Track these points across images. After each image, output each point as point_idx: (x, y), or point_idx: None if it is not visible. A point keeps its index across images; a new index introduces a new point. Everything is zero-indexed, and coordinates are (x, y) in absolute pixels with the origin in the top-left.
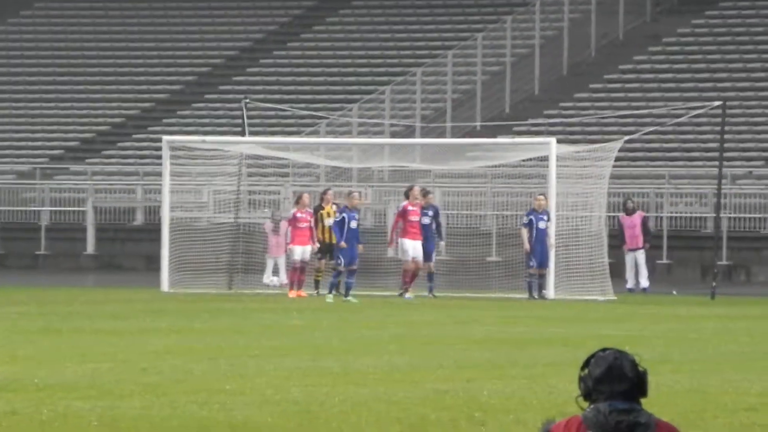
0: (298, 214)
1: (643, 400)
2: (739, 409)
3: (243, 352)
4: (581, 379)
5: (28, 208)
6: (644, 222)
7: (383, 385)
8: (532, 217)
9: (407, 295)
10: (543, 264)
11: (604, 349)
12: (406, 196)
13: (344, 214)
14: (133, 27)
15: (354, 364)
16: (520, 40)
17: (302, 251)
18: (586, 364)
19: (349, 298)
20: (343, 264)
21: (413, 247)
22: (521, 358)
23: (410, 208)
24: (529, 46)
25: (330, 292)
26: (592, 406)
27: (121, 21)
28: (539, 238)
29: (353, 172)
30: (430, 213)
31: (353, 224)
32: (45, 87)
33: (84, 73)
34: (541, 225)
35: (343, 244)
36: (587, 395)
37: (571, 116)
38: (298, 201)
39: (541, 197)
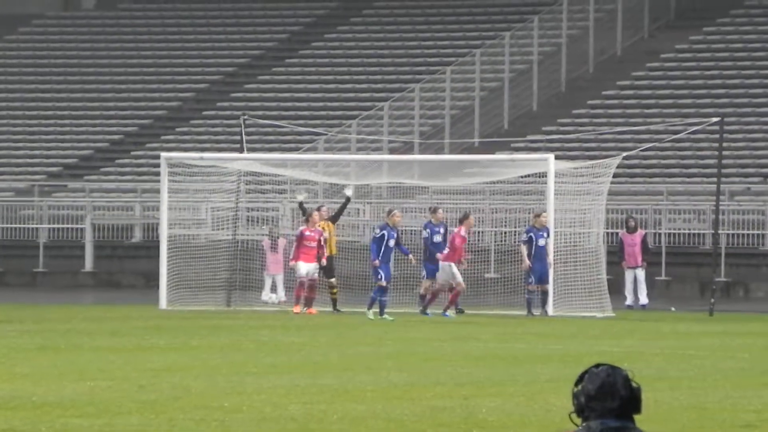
0: (307, 232)
1: (639, 417)
2: (738, 425)
3: (241, 370)
4: (574, 396)
5: (26, 226)
6: (644, 240)
7: (381, 402)
8: (531, 234)
9: (448, 312)
10: (543, 280)
11: (597, 365)
12: (461, 222)
13: (384, 231)
14: (131, 44)
15: (352, 381)
16: (518, 56)
17: (307, 268)
18: (580, 380)
19: (385, 315)
20: (384, 279)
21: (448, 270)
22: (520, 375)
23: (462, 234)
24: (527, 62)
25: (370, 308)
26: (583, 425)
27: (119, 38)
28: (538, 255)
29: (351, 188)
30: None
31: (391, 243)
32: (43, 104)
33: (82, 90)
34: (541, 242)
35: (376, 262)
36: (580, 411)
37: (569, 132)
38: (308, 219)
39: (545, 215)
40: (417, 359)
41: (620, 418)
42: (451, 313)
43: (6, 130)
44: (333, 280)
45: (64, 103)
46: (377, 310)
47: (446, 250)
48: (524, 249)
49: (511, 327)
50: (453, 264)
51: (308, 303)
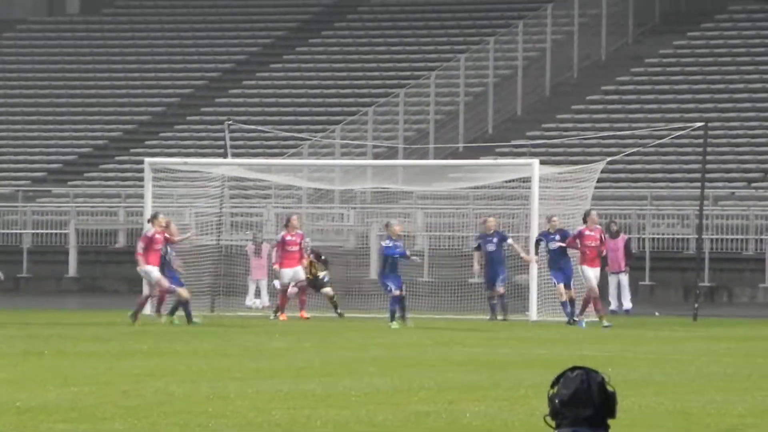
0: (288, 237)
1: (623, 422)
2: (722, 429)
3: (225, 375)
4: (549, 399)
5: (9, 231)
6: (626, 245)
7: (365, 408)
8: (480, 241)
9: (582, 322)
10: (493, 285)
11: (573, 369)
12: (584, 221)
13: (389, 244)
14: (115, 49)
15: (336, 386)
16: (502, 61)
17: (293, 273)
18: (555, 382)
19: (401, 322)
20: (393, 289)
21: (594, 275)
22: (503, 380)
23: (587, 233)
24: (511, 67)
25: (393, 320)
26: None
27: (103, 43)
28: (489, 260)
29: (335, 193)
30: (495, 240)
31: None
32: (27, 109)
33: (67, 95)
34: (490, 247)
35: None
36: (554, 415)
37: (554, 137)
38: (287, 224)
39: (491, 219)
40: (400, 364)
41: (593, 427)
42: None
43: None
44: (327, 290)
45: (48, 108)
46: (400, 319)
47: (578, 254)
48: (477, 255)
49: (495, 332)
50: (587, 267)
51: (301, 305)
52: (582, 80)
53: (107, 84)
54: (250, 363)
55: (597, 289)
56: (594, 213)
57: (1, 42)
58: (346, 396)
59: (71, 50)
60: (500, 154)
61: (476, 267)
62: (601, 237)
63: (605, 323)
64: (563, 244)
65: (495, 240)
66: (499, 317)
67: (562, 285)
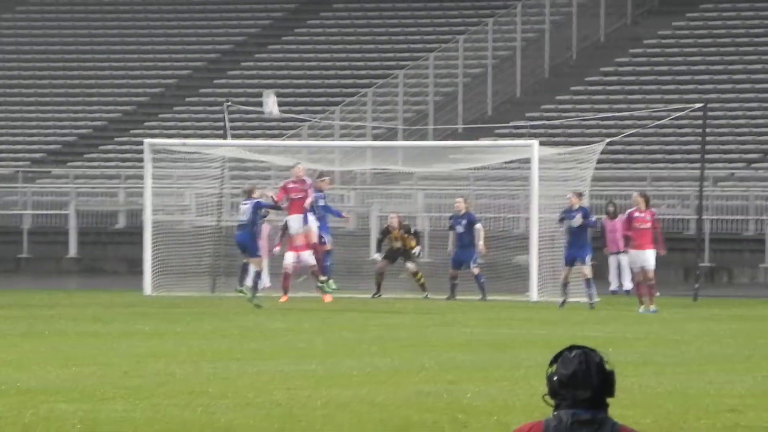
0: (290, 185)
1: (623, 402)
2: (722, 410)
3: (225, 355)
4: (548, 378)
5: (9, 212)
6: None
7: (366, 387)
8: (451, 221)
9: (646, 308)
10: (459, 266)
11: (571, 348)
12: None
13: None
14: (113, 30)
15: (336, 366)
16: (501, 43)
17: (298, 223)
18: (554, 361)
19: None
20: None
21: (644, 258)
22: (504, 361)
23: (637, 215)
24: (510, 48)
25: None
26: (555, 413)
27: (102, 24)
28: (458, 242)
29: (335, 174)
30: (464, 221)
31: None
32: (26, 90)
33: (65, 77)
34: (459, 229)
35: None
36: (553, 395)
37: (553, 118)
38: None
39: (460, 200)
40: (401, 345)
41: (592, 407)
42: (650, 308)
43: None
44: (411, 265)
45: (47, 89)
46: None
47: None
48: (451, 235)
49: (495, 312)
50: (638, 251)
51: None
52: (581, 61)
53: (106, 65)
54: (251, 344)
55: (651, 273)
56: (635, 194)
57: (0, 23)
58: (346, 376)
59: (69, 31)
60: (499, 136)
61: (450, 248)
62: (652, 219)
63: (652, 308)
64: (584, 221)
65: (464, 222)
66: (477, 297)
67: (586, 265)
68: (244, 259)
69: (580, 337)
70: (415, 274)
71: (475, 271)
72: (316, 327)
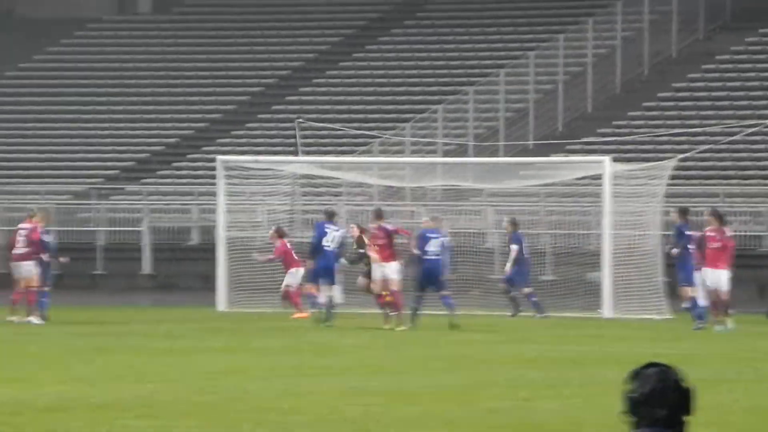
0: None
1: (697, 420)
2: None
3: (297, 372)
4: (625, 397)
5: (84, 228)
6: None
7: (437, 405)
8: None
9: (724, 327)
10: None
11: (649, 365)
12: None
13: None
14: (186, 48)
15: (407, 383)
16: (572, 59)
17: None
18: (631, 379)
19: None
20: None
21: (717, 277)
22: (575, 378)
23: (709, 234)
24: (581, 64)
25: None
26: None
27: (174, 42)
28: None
29: (406, 191)
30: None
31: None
32: (99, 107)
33: (138, 94)
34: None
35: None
36: (631, 413)
37: (625, 134)
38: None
39: (425, 219)
40: (471, 361)
41: (669, 426)
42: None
43: (63, 134)
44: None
45: (120, 107)
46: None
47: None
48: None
49: (565, 329)
50: (712, 269)
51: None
52: (653, 77)
53: (179, 83)
54: (322, 360)
55: (725, 292)
56: (707, 213)
57: (73, 41)
58: (418, 393)
59: (142, 49)
60: (571, 152)
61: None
62: (721, 237)
63: (728, 325)
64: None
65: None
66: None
67: (691, 287)
68: (320, 284)
69: (651, 354)
70: (369, 289)
71: (526, 291)
72: (387, 343)
